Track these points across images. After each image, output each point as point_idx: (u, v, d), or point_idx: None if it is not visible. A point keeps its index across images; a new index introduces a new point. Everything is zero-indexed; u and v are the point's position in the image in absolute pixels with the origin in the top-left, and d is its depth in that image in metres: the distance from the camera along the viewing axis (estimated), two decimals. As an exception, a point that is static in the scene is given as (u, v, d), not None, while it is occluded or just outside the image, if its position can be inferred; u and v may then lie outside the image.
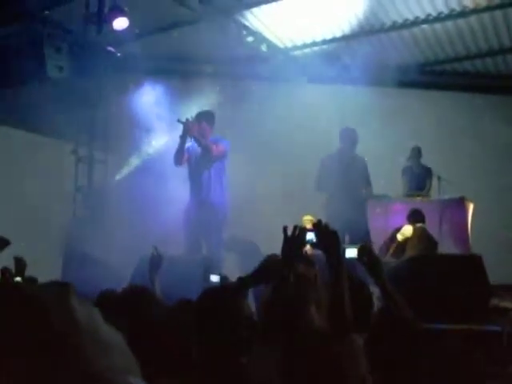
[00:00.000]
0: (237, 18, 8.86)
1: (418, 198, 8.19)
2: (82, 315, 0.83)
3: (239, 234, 8.09)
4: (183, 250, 6.83)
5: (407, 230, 6.98)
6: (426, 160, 8.74)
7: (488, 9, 8.12)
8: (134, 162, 9.23)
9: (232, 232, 7.71)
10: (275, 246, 2.63)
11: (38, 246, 7.93)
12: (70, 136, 9.04)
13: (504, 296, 5.87)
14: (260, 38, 9.31)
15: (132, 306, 2.57)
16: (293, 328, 2.11)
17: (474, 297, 5.09)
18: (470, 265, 5.68)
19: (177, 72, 8.39)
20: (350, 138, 7.39)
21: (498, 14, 8.25)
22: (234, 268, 6.50)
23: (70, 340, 0.79)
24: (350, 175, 7.11)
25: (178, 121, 6.60)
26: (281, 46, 9.67)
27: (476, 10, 8.20)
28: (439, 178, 8.50)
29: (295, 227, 2.44)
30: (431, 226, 7.19)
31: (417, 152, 8.74)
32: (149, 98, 8.62)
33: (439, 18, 8.46)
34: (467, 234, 7.85)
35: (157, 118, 8.49)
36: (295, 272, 2.45)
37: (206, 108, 7.12)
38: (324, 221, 2.34)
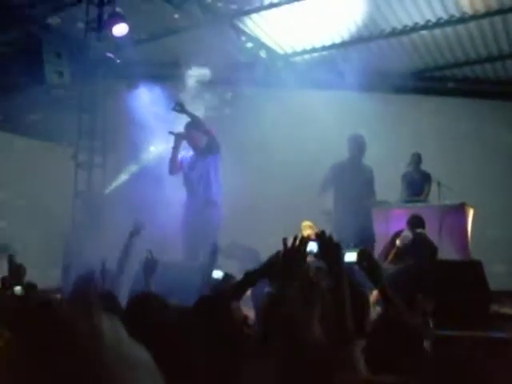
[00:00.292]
0: (236, 24, 8.88)
1: (418, 204, 8.18)
2: (107, 331, 0.81)
3: (239, 240, 8.08)
4: (181, 254, 6.84)
5: (407, 236, 6.96)
6: (427, 166, 8.73)
7: (487, 15, 8.13)
8: (133, 166, 9.23)
9: (232, 238, 7.70)
10: (274, 251, 2.64)
11: (37, 251, 7.92)
12: (69, 141, 9.04)
13: (504, 302, 5.86)
14: (259, 44, 9.34)
15: (143, 311, 2.54)
16: (292, 339, 2.09)
17: (474, 303, 5.08)
18: (469, 271, 5.67)
19: (176, 78, 8.38)
20: (357, 145, 7.36)
21: (497, 19, 8.26)
22: (235, 274, 6.48)
23: (95, 356, 0.77)
24: (357, 184, 7.08)
25: (170, 133, 6.76)
26: (280, 52, 9.68)
27: (475, 16, 8.21)
28: (439, 184, 8.48)
29: (295, 238, 2.40)
30: (431, 232, 7.17)
31: (416, 158, 8.74)
32: (148, 104, 8.63)
33: (438, 24, 8.47)
34: (467, 240, 7.82)
35: (155, 124, 8.50)
36: (303, 281, 2.42)
37: (203, 113, 7.14)
38: (329, 228, 2.34)
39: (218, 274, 4.31)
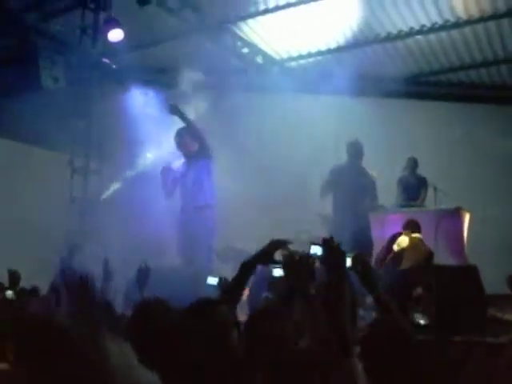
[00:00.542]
0: (232, 30, 8.90)
1: (414, 209, 8.18)
2: (114, 354, 0.80)
3: (231, 244, 8.09)
4: (179, 260, 6.83)
5: (403, 241, 6.95)
6: (422, 170, 8.74)
7: (481, 20, 8.16)
8: (129, 172, 9.22)
9: (226, 241, 7.71)
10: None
11: (32, 257, 7.89)
12: (65, 147, 9.02)
13: (501, 306, 5.86)
14: (255, 49, 9.36)
15: (148, 318, 2.52)
16: (280, 352, 2.07)
17: (470, 307, 5.07)
18: (465, 275, 5.67)
19: (172, 83, 8.40)
20: (354, 150, 7.36)
21: (491, 24, 8.30)
22: (229, 278, 6.47)
23: (101, 380, 0.76)
24: (355, 188, 7.07)
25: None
26: (276, 57, 9.70)
27: (470, 21, 8.24)
28: (435, 189, 8.47)
29: (302, 257, 2.44)
30: (427, 237, 7.16)
31: (412, 162, 8.73)
32: (144, 109, 8.62)
33: (433, 29, 8.50)
34: (463, 245, 7.83)
35: (151, 129, 8.50)
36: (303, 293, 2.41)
37: (198, 118, 7.14)
38: (325, 231, 2.35)
39: (213, 280, 4.29)
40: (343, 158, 7.78)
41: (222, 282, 4.08)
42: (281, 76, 9.36)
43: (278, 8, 8.25)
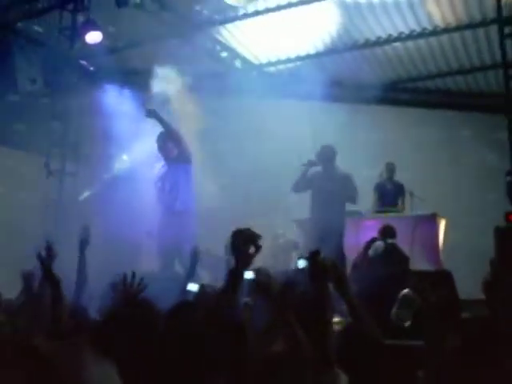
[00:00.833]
0: (211, 34, 8.90)
1: (390, 214, 8.23)
2: (95, 374, 0.78)
3: (205, 250, 8.05)
4: (157, 264, 6.78)
5: (378, 246, 6.99)
6: (398, 176, 8.81)
7: (458, 29, 8.27)
8: (106, 174, 9.16)
9: (203, 247, 7.66)
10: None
11: (7, 260, 7.78)
12: (41, 149, 8.93)
13: (475, 311, 5.89)
14: (234, 53, 9.36)
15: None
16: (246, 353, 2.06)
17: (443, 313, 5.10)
18: (440, 280, 5.72)
19: (150, 86, 8.36)
20: (325, 155, 7.29)
21: (468, 33, 8.40)
22: (210, 282, 6.45)
23: None
24: (329, 193, 7.01)
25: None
26: (255, 62, 9.72)
27: (447, 30, 8.34)
28: (411, 195, 8.55)
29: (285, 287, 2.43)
30: (403, 242, 7.21)
31: (390, 168, 8.79)
32: (121, 112, 8.58)
33: (411, 36, 8.59)
34: (438, 250, 7.90)
35: (129, 131, 8.46)
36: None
37: (174, 121, 7.08)
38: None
39: (193, 286, 4.26)
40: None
41: (202, 289, 4.05)
42: (259, 81, 9.37)
43: (257, 13, 8.27)
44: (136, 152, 8.51)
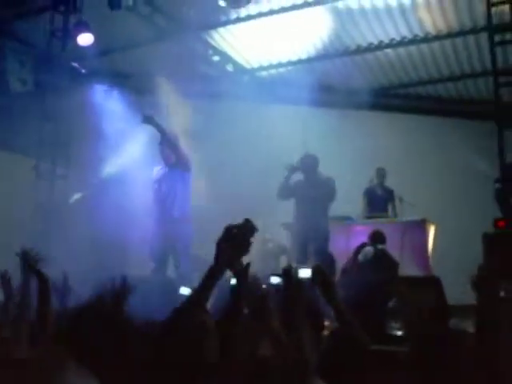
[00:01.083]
0: (203, 38, 8.91)
1: (380, 220, 8.25)
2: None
3: (196, 255, 8.04)
4: (148, 268, 6.76)
5: (368, 251, 7.01)
6: (388, 182, 8.84)
7: (449, 36, 8.32)
8: (97, 177, 9.12)
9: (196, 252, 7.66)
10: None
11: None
12: (31, 151, 8.89)
13: (464, 317, 5.91)
14: (226, 57, 9.37)
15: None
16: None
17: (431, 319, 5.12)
18: (428, 286, 5.73)
19: (141, 89, 8.36)
20: (307, 165, 7.20)
21: (459, 41, 8.46)
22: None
23: None
24: (308, 201, 6.97)
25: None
26: (247, 66, 9.74)
27: (438, 37, 8.40)
28: (401, 200, 8.58)
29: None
30: (392, 248, 7.23)
31: (381, 173, 8.82)
32: (113, 115, 8.56)
33: (403, 43, 8.65)
34: (428, 256, 7.92)
35: (120, 134, 8.43)
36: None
37: (164, 123, 7.05)
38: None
39: (185, 290, 4.26)
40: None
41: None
42: (251, 85, 9.38)
43: (249, 17, 8.29)
44: (127, 154, 8.48)
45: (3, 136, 8.46)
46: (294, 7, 8.00)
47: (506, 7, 6.37)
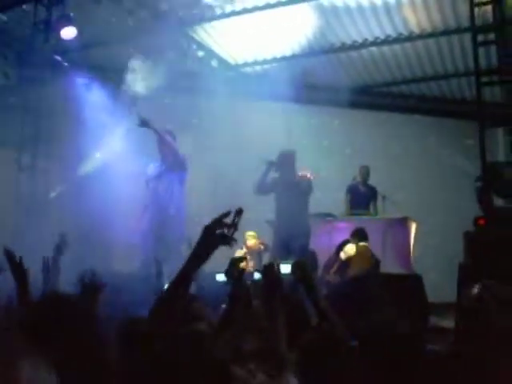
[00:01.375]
0: (188, 33, 8.86)
1: (363, 217, 8.29)
2: (28, 373, 0.77)
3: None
4: (136, 264, 6.74)
5: (350, 249, 7.04)
6: (371, 180, 8.87)
7: (433, 35, 8.36)
8: (79, 171, 9.06)
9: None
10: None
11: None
12: (12, 144, 8.80)
13: (444, 314, 5.96)
14: (210, 53, 9.33)
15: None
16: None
17: (412, 316, 5.15)
18: (409, 284, 5.77)
19: (124, 83, 8.29)
20: (285, 161, 7.07)
21: (443, 40, 8.51)
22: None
23: None
24: (289, 198, 6.90)
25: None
26: (232, 62, 9.71)
27: (422, 36, 8.44)
28: (384, 198, 8.62)
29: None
30: (374, 245, 7.27)
31: (365, 171, 8.84)
32: (95, 109, 8.50)
33: (387, 41, 8.67)
34: (409, 253, 7.97)
35: (103, 127, 8.39)
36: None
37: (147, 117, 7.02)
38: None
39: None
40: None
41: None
42: (235, 81, 9.36)
43: (234, 13, 8.26)
44: (109, 147, 8.44)
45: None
46: (279, 4, 7.98)
47: (489, 8, 6.40)
